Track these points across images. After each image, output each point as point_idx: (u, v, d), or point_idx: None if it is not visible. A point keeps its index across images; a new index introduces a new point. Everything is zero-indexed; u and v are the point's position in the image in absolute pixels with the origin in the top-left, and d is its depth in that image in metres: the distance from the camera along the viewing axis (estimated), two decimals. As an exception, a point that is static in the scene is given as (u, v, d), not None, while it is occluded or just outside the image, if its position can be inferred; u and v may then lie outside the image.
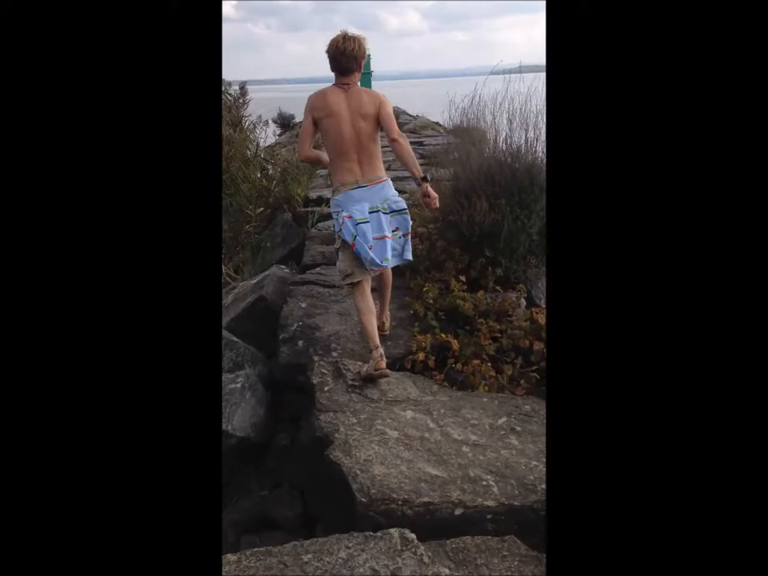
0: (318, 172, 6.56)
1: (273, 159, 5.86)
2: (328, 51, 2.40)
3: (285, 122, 18.92)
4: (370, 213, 2.35)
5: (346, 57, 2.35)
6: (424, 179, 2.37)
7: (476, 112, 3.32)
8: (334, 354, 2.45)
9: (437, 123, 15.60)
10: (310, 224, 4.62)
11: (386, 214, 2.40)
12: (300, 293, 3.06)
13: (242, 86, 7.48)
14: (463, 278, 2.98)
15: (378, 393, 2.11)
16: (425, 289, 2.95)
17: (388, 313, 2.73)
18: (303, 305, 2.89)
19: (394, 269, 2.62)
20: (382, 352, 2.19)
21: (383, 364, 2.14)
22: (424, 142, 10.02)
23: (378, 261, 2.31)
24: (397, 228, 2.45)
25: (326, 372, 2.16)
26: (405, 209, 2.48)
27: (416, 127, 13.33)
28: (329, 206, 2.77)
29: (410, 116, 17.88)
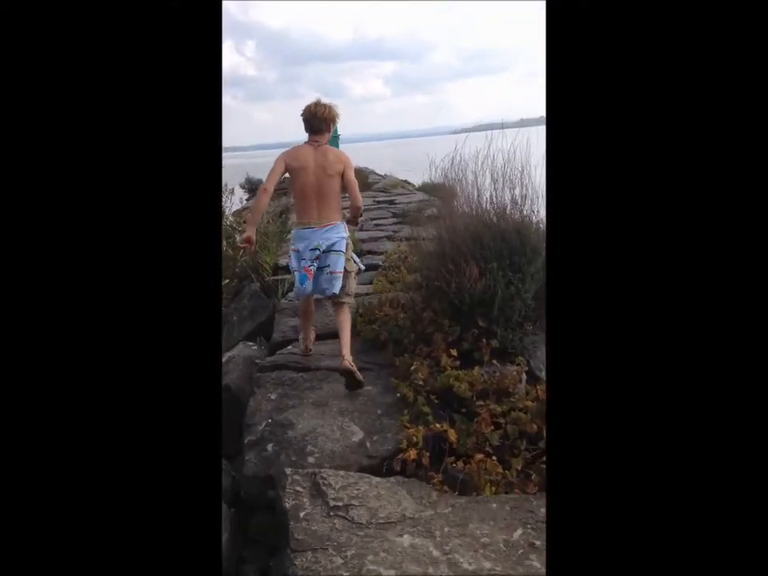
0: (287, 235, 6.28)
1: (240, 226, 5.56)
2: (303, 114, 2.85)
3: (252, 188, 18.86)
4: (309, 250, 2.76)
5: (317, 119, 2.81)
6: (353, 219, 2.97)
7: (456, 172, 3.08)
8: (311, 459, 2.04)
9: (405, 181, 15.74)
10: (279, 294, 4.26)
11: (321, 251, 2.76)
12: (269, 380, 2.66)
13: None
14: (454, 352, 2.63)
15: (366, 514, 1.69)
16: (412, 368, 2.58)
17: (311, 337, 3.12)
18: (273, 396, 2.49)
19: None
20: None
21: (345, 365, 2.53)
22: (395, 201, 9.90)
23: (300, 287, 2.79)
24: (327, 265, 2.79)
25: (301, 490, 1.74)
26: (340, 250, 2.81)
27: (386, 186, 13.33)
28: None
29: (379, 175, 18.02)
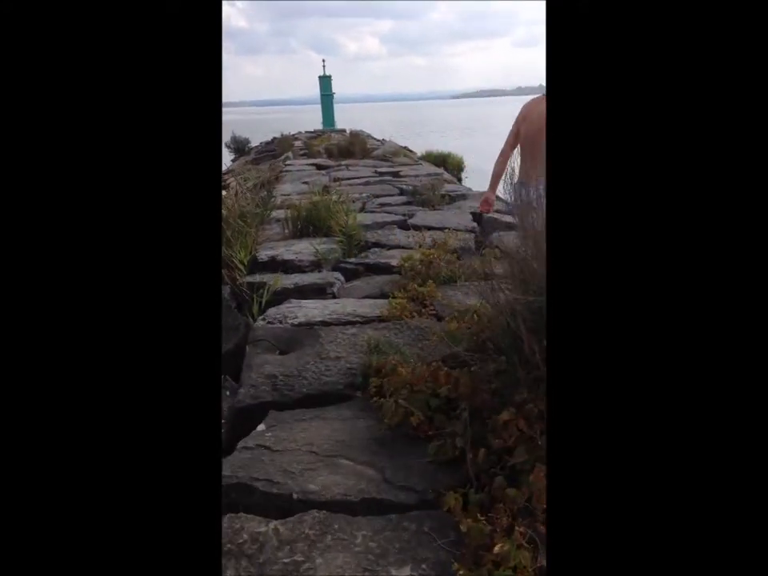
0: (272, 214, 4.99)
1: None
2: None
3: (239, 147, 17.29)
4: None
5: None
6: None
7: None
8: None
9: (406, 148, 14.19)
10: (256, 309, 3.03)
11: None
12: (228, 518, 1.44)
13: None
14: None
15: None
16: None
17: None
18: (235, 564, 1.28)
19: None
20: None
21: None
22: (401, 173, 8.38)
23: None
24: None
25: None
26: None
27: (386, 153, 11.60)
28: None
29: (377, 140, 16.28)
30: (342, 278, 3.50)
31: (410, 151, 13.84)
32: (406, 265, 3.34)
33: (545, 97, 2.49)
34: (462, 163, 12.19)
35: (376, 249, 4.12)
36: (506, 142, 2.94)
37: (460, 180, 9.97)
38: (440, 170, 9.57)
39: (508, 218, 4.64)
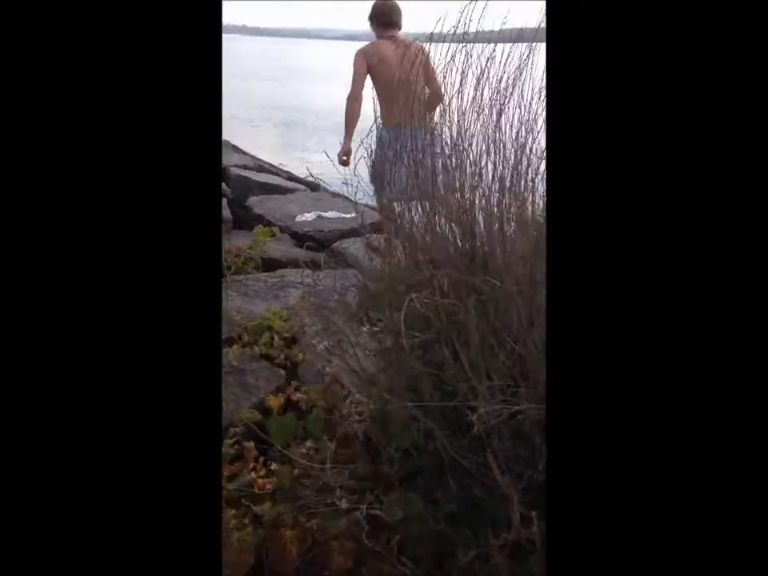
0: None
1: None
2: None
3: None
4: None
5: (395, 12, 2.82)
6: None
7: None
8: None
9: None
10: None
11: None
12: None
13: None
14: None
15: None
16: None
17: None
18: None
19: None
20: None
21: None
22: None
23: None
24: None
25: None
26: None
27: None
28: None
29: None
30: None
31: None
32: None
33: (386, 40, 2.72)
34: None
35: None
36: (357, 84, 2.75)
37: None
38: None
39: (263, 176, 4.64)
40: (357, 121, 2.80)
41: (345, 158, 2.79)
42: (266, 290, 2.46)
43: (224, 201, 3.91)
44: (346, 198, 4.82)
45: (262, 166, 5.28)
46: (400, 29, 2.82)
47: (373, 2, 2.83)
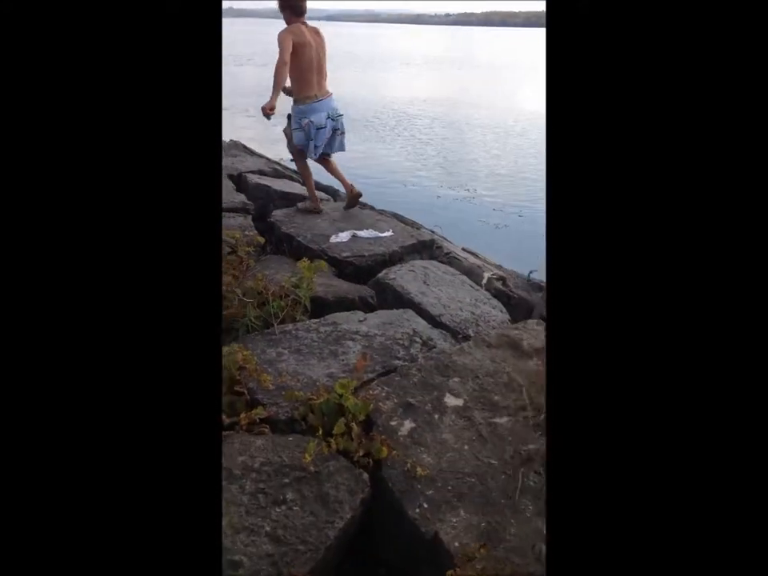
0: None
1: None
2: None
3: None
4: (326, 119, 3.45)
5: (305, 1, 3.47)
6: None
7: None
8: None
9: None
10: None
11: (334, 118, 3.50)
12: None
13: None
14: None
15: None
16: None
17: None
18: None
19: None
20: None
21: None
22: None
23: (324, 149, 3.52)
24: (338, 128, 3.56)
25: None
26: (342, 114, 3.57)
27: None
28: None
29: None
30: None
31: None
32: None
33: (301, 24, 3.31)
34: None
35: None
36: (286, 52, 3.22)
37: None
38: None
39: (282, 183, 4.30)
40: (285, 81, 3.30)
41: (270, 111, 3.20)
42: (320, 343, 2.06)
43: (248, 218, 3.48)
44: (371, 207, 4.43)
45: (278, 170, 4.84)
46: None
47: None
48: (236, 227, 3.24)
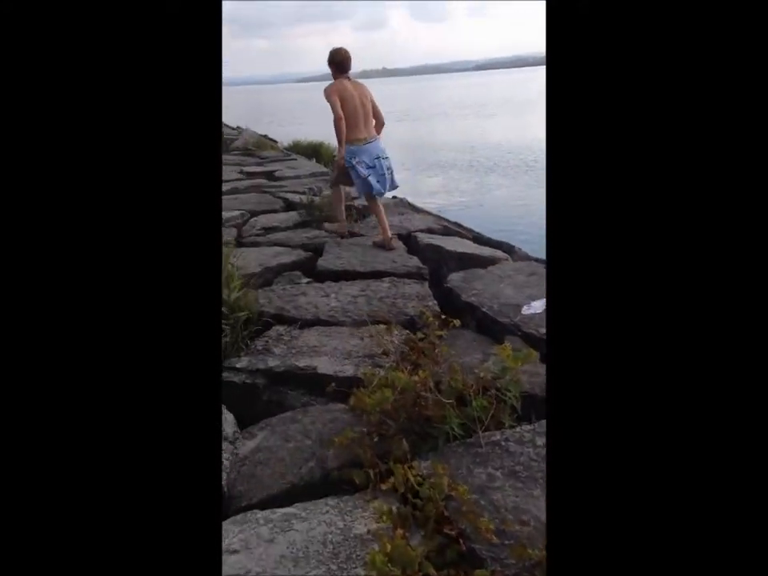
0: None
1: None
2: (336, 57, 3.92)
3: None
4: (374, 159, 3.85)
5: (348, 60, 3.94)
6: None
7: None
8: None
9: (266, 137, 11.42)
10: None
11: (382, 158, 3.89)
12: None
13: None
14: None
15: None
16: None
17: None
18: None
19: None
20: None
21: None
22: (276, 173, 6.73)
23: (377, 187, 3.84)
24: (389, 167, 3.93)
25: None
26: (388, 157, 3.95)
27: (247, 144, 9.66)
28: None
29: (231, 128, 13.69)
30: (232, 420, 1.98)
31: (272, 140, 11.36)
32: (370, 401, 1.77)
33: (344, 79, 3.86)
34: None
35: (280, 328, 2.60)
36: (338, 109, 3.71)
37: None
38: (320, 166, 7.97)
39: (454, 242, 3.94)
40: (345, 133, 3.75)
41: (342, 161, 3.83)
42: (541, 462, 1.61)
43: (425, 285, 3.19)
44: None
45: (448, 228, 4.56)
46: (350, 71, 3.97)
47: (333, 51, 3.90)
48: (413, 296, 2.95)
